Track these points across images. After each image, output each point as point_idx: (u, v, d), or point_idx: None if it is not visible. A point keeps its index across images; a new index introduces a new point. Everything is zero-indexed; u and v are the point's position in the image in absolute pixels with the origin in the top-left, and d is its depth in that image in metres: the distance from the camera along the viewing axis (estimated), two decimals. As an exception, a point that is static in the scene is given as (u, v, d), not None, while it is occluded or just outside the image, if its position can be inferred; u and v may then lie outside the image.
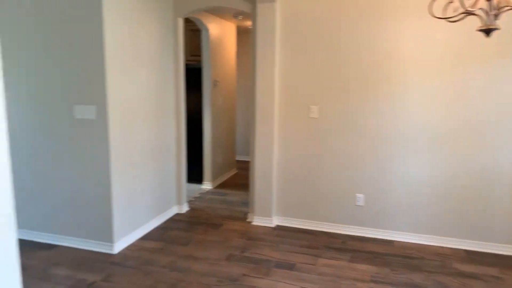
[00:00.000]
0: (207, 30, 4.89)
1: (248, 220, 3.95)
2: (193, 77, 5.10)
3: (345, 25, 3.41)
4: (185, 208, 4.20)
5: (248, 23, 5.66)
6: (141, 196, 3.52)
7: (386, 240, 3.52)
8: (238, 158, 6.87)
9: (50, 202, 3.30)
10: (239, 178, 5.69)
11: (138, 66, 3.39)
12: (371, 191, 3.54)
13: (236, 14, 4.98)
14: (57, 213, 3.30)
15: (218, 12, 4.84)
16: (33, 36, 3.10)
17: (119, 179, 3.20)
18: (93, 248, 3.21)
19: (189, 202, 4.49)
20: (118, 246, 3.22)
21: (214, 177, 5.19)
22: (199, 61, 5.12)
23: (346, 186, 3.61)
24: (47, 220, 3.34)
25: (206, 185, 5.12)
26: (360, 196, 3.57)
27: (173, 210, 4.10)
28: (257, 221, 3.85)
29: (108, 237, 3.17)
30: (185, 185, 4.21)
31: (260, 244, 3.40)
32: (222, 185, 5.29)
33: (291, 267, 2.98)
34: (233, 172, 5.90)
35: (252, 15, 3.70)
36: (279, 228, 3.78)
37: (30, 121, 3.24)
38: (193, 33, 5.19)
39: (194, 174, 5.17)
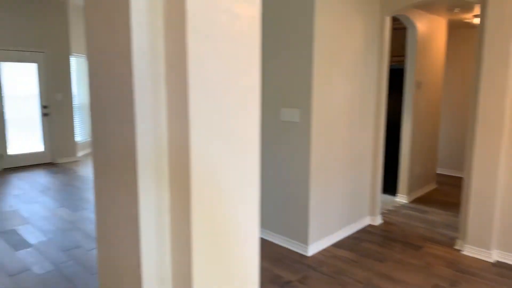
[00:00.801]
0: (414, 27, 4.44)
1: (456, 247, 3.36)
2: (394, 79, 4.73)
3: None
4: (378, 221, 3.92)
5: (464, 16, 4.86)
6: (335, 202, 3.45)
7: None
8: (439, 171, 6.05)
9: (255, 196, 3.59)
10: (440, 195, 4.98)
11: (341, 70, 3.31)
12: None
13: (451, 7, 4.33)
14: (261, 207, 3.56)
15: (428, 6, 4.32)
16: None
17: (317, 182, 3.20)
18: (289, 246, 3.33)
19: (382, 214, 4.17)
20: (312, 249, 3.23)
21: (410, 190, 4.69)
22: (400, 62, 4.71)
23: None
24: (251, 212, 3.65)
25: (401, 198, 4.67)
26: None
27: (366, 221, 3.88)
28: (469, 251, 3.22)
29: (304, 239, 3.22)
30: (380, 196, 3.92)
31: (474, 280, 2.81)
32: (419, 200, 4.73)
33: (524, 321, 2.33)
34: (432, 186, 5.21)
35: (481, 5, 3.09)
36: (500, 265, 3.05)
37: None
38: (396, 32, 4.80)
39: (388, 184, 4.80)
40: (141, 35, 1.08)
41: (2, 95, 5.99)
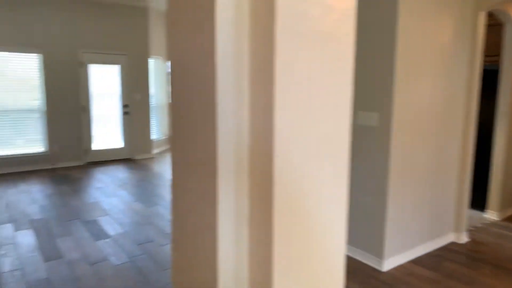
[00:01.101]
0: (513, 23, 3.92)
1: None
2: (487, 80, 4.24)
3: None
4: (463, 238, 3.52)
5: None
6: (414, 215, 3.15)
7: None
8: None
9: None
10: (538, 213, 4.35)
11: (427, 70, 3.02)
12: None
13: (562, -2, 3.75)
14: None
15: (533, -2, 3.78)
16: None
17: (396, 192, 2.95)
18: (362, 259, 3.12)
19: (469, 231, 3.74)
20: (387, 264, 2.98)
21: (502, 206, 4.16)
22: (495, 62, 4.20)
23: None
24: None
25: (491, 215, 4.16)
26: None
27: (448, 238, 3.50)
28: None
29: (378, 252, 2.99)
30: (466, 211, 3.51)
31: None
32: (512, 218, 4.18)
33: None
34: (528, 203, 4.58)
35: None
36: None
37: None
38: (491, 29, 4.30)
39: (476, 198, 4.30)
40: (226, 33, 1.02)
41: (90, 94, 6.54)
